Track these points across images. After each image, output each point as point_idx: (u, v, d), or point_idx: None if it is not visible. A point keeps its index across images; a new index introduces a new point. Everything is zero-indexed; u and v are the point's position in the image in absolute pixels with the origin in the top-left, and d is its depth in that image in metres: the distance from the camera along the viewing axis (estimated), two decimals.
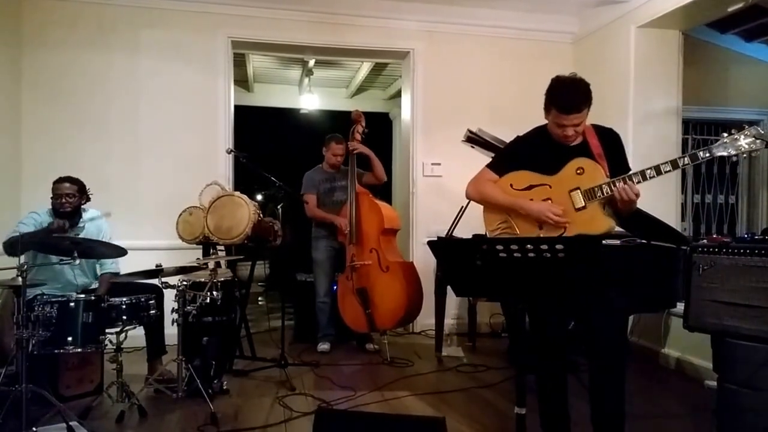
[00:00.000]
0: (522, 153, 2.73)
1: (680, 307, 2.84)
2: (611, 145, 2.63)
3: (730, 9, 4.25)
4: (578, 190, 2.52)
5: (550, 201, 2.58)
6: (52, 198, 3.55)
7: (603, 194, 2.47)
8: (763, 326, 2.44)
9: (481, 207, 2.83)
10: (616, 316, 2.55)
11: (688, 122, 5.79)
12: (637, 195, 2.43)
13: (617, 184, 2.44)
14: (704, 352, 3.22)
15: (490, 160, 2.99)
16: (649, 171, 2.43)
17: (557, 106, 2.50)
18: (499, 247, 1.99)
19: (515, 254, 1.97)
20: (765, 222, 6.11)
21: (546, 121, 2.64)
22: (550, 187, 2.59)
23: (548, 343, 2.66)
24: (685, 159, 2.41)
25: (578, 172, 2.53)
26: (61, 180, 3.57)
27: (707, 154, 2.39)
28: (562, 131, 2.53)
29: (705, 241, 2.84)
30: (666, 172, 2.43)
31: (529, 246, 1.94)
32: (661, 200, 4.47)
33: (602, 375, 2.53)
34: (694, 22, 4.80)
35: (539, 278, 2.02)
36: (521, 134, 2.81)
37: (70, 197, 3.53)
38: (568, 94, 2.49)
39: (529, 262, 1.97)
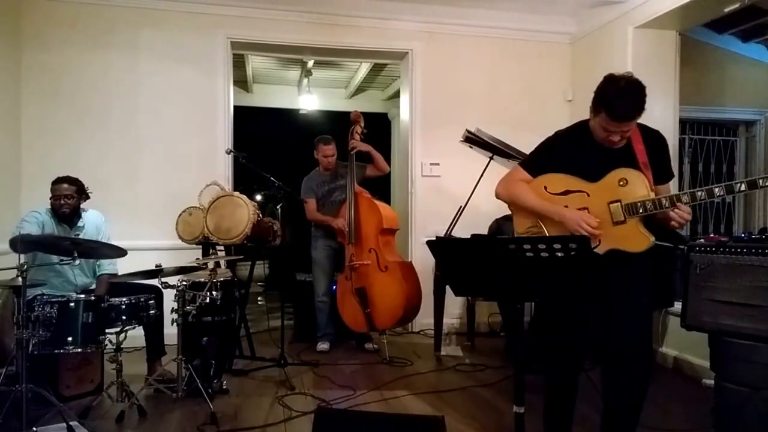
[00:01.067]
0: (560, 153, 2.53)
1: (678, 306, 2.85)
2: (657, 150, 2.47)
3: (727, 9, 4.27)
4: (619, 203, 2.36)
5: (586, 210, 2.41)
6: (50, 198, 3.55)
7: (646, 210, 2.31)
8: (761, 325, 2.45)
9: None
10: (645, 320, 2.49)
11: (686, 122, 5.82)
12: (690, 216, 2.31)
13: (666, 205, 2.28)
14: (702, 351, 3.22)
15: (524, 157, 2.83)
16: (700, 193, 2.27)
17: (609, 112, 2.28)
18: (512, 246, 1.93)
19: (542, 253, 1.89)
20: (762, 221, 6.13)
21: (587, 117, 2.48)
22: (588, 195, 2.42)
23: (564, 350, 2.58)
24: (742, 185, 2.24)
25: (621, 183, 2.36)
26: (59, 180, 3.57)
27: None
28: (608, 136, 2.35)
29: (702, 240, 2.85)
30: (719, 197, 2.27)
31: (526, 246, 1.94)
32: None
33: (626, 383, 2.43)
34: (691, 22, 4.81)
35: (548, 280, 1.98)
36: (560, 130, 2.63)
37: (68, 198, 3.53)
38: (623, 101, 2.27)
39: (540, 263, 1.92)
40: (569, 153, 2.49)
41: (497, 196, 2.67)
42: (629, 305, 2.40)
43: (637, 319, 2.43)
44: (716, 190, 2.25)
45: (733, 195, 2.31)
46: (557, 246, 1.89)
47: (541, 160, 2.57)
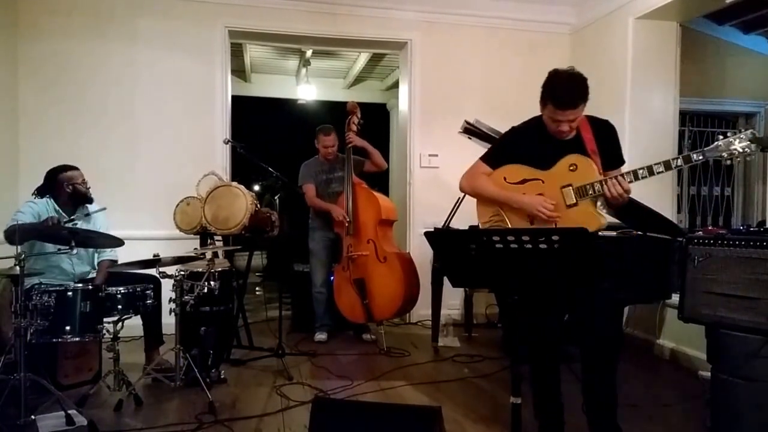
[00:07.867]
0: (516, 146, 2.72)
1: (675, 298, 2.86)
2: (606, 138, 2.63)
3: (728, 0, 4.25)
4: (570, 187, 2.53)
5: (542, 196, 2.58)
6: (68, 186, 3.51)
7: (594, 192, 2.47)
8: (757, 317, 2.45)
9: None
10: (609, 307, 2.57)
11: (685, 114, 5.79)
12: (628, 191, 2.43)
13: (608, 182, 2.43)
14: (699, 343, 3.24)
15: (485, 152, 2.98)
16: (641, 171, 2.43)
17: (553, 102, 2.47)
18: (495, 238, 1.99)
19: (511, 245, 1.97)
20: (760, 214, 6.13)
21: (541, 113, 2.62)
22: (543, 182, 2.60)
23: (541, 334, 2.68)
24: (679, 160, 2.39)
25: (571, 168, 2.53)
26: (69, 168, 3.57)
27: (701, 157, 2.37)
28: (557, 126, 2.52)
29: (700, 232, 2.85)
30: (659, 173, 2.42)
31: (525, 237, 1.95)
32: (657, 192, 4.48)
33: (593, 365, 2.56)
34: (691, 13, 4.80)
35: (533, 269, 2.02)
36: (516, 125, 2.80)
37: (86, 182, 3.59)
38: (564, 89, 2.46)
39: (523, 254, 1.97)
40: (525, 145, 2.67)
41: (461, 189, 2.87)
42: (593, 288, 2.46)
43: (598, 304, 2.51)
44: (655, 167, 2.40)
45: (672, 170, 2.46)
46: (555, 237, 1.90)
47: (499, 154, 2.78)
